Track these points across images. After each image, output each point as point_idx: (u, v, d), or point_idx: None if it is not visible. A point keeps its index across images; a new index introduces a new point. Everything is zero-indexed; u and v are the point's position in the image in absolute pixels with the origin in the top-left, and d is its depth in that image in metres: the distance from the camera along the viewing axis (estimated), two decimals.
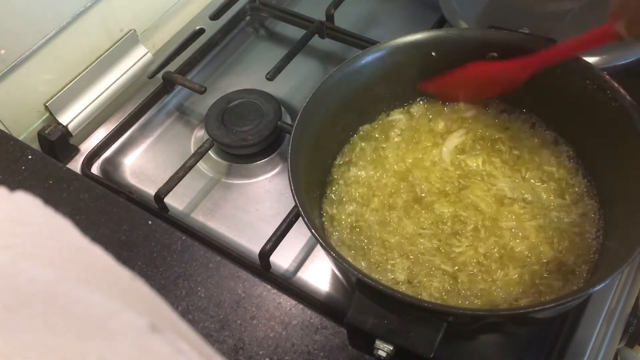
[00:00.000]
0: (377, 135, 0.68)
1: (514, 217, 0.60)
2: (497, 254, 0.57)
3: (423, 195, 0.62)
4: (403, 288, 0.56)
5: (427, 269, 0.57)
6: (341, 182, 0.65)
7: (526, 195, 0.61)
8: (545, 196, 0.61)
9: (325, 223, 0.62)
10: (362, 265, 0.59)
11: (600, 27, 0.55)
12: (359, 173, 0.65)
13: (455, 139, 0.66)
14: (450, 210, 0.61)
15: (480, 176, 0.63)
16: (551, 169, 0.63)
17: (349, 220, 0.62)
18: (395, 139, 0.67)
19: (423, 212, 0.61)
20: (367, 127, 0.68)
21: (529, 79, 0.62)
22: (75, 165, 0.77)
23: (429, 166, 0.64)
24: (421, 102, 0.69)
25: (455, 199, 0.62)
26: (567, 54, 0.60)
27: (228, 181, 0.76)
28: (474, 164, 0.64)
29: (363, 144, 0.67)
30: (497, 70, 0.63)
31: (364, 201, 0.63)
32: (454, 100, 0.68)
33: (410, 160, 0.65)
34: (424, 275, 0.57)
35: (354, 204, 0.63)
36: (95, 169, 0.77)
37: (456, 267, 0.57)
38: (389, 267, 0.58)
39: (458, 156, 0.65)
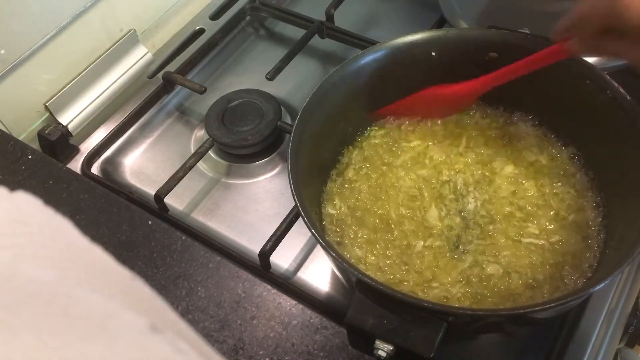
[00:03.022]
0: (378, 139, 0.68)
1: (514, 217, 0.60)
2: (501, 265, 0.57)
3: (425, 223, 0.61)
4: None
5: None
6: (339, 186, 0.65)
7: (528, 195, 0.61)
8: (543, 196, 0.61)
9: (325, 224, 0.62)
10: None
11: (548, 47, 0.57)
12: (357, 179, 0.65)
13: (460, 153, 0.66)
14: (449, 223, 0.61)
15: (482, 176, 0.63)
16: (550, 169, 0.63)
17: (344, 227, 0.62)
18: (396, 144, 0.67)
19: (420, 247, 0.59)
20: (367, 128, 0.68)
21: (528, 79, 0.62)
22: (75, 165, 0.77)
23: (434, 177, 0.64)
24: None
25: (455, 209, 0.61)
26: (516, 73, 0.60)
27: (228, 181, 0.76)
28: (476, 166, 0.64)
29: (364, 146, 0.67)
30: (447, 95, 0.65)
31: (358, 211, 0.62)
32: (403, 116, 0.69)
33: (411, 169, 0.65)
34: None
35: (349, 212, 0.62)
36: (95, 169, 0.77)
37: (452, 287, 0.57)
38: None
39: (458, 169, 0.65)
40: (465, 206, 0.61)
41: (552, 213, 0.60)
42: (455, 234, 0.59)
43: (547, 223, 0.59)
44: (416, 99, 0.66)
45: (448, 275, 0.57)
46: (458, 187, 0.62)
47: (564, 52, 0.56)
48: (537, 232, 0.59)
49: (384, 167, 0.65)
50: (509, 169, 0.63)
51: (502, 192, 0.62)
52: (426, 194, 0.62)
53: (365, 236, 0.60)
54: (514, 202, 0.61)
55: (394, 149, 0.66)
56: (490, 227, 0.59)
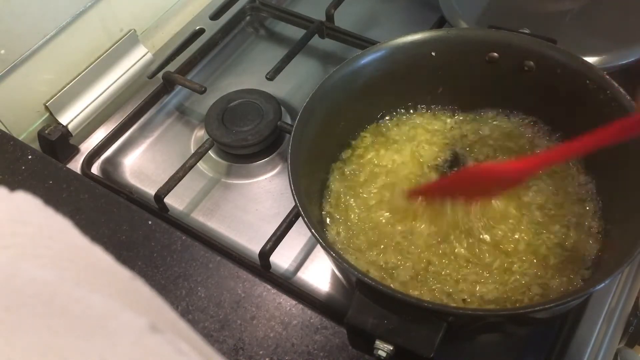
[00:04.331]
0: (377, 139, 0.68)
1: (514, 219, 0.60)
2: (498, 261, 0.57)
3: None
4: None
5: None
6: (339, 185, 0.65)
7: (525, 196, 0.61)
8: (543, 196, 0.61)
9: (326, 223, 0.62)
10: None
11: (626, 118, 0.49)
12: (356, 178, 0.65)
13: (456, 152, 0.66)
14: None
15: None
16: (550, 169, 0.63)
17: (348, 222, 0.62)
18: (395, 145, 0.67)
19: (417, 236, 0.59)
20: (367, 128, 0.68)
21: (528, 79, 0.62)
22: (75, 165, 0.77)
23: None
24: (424, 105, 0.69)
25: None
26: (581, 150, 0.52)
27: (228, 181, 0.76)
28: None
29: (363, 146, 0.67)
30: (497, 173, 0.56)
31: (358, 210, 0.62)
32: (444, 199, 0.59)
33: (407, 171, 0.65)
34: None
35: (350, 210, 0.62)
36: (95, 169, 0.77)
37: (454, 276, 0.57)
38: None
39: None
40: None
41: (550, 214, 0.60)
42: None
43: (545, 223, 0.59)
44: (458, 180, 0.59)
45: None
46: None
47: None
48: (534, 233, 0.59)
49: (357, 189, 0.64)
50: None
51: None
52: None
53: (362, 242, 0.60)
54: (511, 206, 0.61)
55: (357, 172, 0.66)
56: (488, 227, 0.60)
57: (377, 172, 0.65)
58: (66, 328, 0.20)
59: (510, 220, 0.60)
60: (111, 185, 0.73)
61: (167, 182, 0.71)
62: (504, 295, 0.55)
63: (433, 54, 0.65)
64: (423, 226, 0.59)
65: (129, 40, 0.86)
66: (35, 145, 0.78)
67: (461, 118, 0.68)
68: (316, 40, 0.86)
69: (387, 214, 0.61)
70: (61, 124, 0.80)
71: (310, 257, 0.67)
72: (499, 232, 0.59)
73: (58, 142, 0.77)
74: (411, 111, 0.69)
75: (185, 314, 0.57)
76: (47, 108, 0.79)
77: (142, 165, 0.78)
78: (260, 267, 0.65)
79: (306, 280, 0.66)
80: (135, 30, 0.86)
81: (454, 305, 0.54)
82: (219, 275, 0.59)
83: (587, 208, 0.60)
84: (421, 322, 0.46)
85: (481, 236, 0.58)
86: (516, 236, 0.59)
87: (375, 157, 0.66)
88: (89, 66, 0.82)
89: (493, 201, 0.60)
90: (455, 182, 0.60)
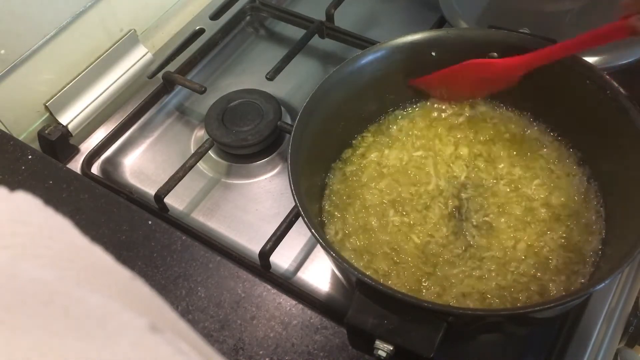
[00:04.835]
0: (379, 138, 0.68)
1: (514, 218, 0.60)
2: (498, 258, 0.57)
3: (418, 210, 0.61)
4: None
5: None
6: (339, 185, 0.65)
7: (526, 195, 0.61)
8: (544, 196, 0.61)
9: (326, 223, 0.62)
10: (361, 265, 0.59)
11: (610, 23, 0.54)
12: (356, 178, 0.65)
13: (458, 148, 0.66)
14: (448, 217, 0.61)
15: (484, 178, 0.63)
16: (551, 168, 0.63)
17: (347, 223, 0.62)
18: (397, 143, 0.67)
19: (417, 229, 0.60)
20: (368, 128, 0.68)
21: (528, 79, 0.62)
22: (75, 165, 0.77)
23: (431, 174, 0.64)
24: (426, 103, 0.69)
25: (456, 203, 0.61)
26: (569, 51, 0.58)
27: (228, 181, 0.76)
28: (477, 170, 0.64)
29: (364, 145, 0.67)
30: (493, 67, 0.63)
31: (357, 210, 0.62)
32: (442, 98, 0.68)
33: (410, 169, 0.65)
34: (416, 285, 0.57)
35: (350, 209, 0.62)
36: (95, 169, 0.77)
37: (451, 276, 0.57)
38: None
39: (458, 164, 0.64)
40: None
41: (551, 213, 0.60)
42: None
43: (545, 223, 0.59)
44: (458, 70, 0.64)
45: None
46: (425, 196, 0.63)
47: (628, 29, 0.53)
48: (536, 234, 0.59)
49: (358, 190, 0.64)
50: (504, 167, 0.63)
51: (499, 193, 0.62)
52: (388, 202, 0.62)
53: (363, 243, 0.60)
54: (512, 198, 0.61)
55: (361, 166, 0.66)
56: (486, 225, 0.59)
57: (384, 173, 0.64)
58: (66, 328, 0.20)
59: (511, 221, 0.60)
60: (111, 185, 0.73)
61: (167, 182, 0.71)
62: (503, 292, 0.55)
63: (433, 54, 0.65)
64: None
65: (129, 40, 0.86)
66: (35, 145, 0.78)
67: (461, 117, 0.68)
68: (316, 40, 0.86)
69: (390, 216, 0.61)
70: (61, 124, 0.80)
71: (310, 257, 0.67)
72: (494, 232, 0.59)
73: (58, 142, 0.77)
74: (412, 111, 0.69)
75: (185, 314, 0.57)
76: (47, 108, 0.79)
77: (142, 165, 0.78)
78: (260, 267, 0.65)
79: (306, 280, 0.66)
80: (135, 30, 0.86)
81: (454, 305, 0.55)
82: (219, 275, 0.59)
83: (587, 207, 0.60)
84: (421, 322, 0.46)
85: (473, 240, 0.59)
86: (516, 234, 0.59)
87: (380, 157, 0.66)
88: (89, 66, 0.82)
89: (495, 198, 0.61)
90: (456, 72, 0.64)
